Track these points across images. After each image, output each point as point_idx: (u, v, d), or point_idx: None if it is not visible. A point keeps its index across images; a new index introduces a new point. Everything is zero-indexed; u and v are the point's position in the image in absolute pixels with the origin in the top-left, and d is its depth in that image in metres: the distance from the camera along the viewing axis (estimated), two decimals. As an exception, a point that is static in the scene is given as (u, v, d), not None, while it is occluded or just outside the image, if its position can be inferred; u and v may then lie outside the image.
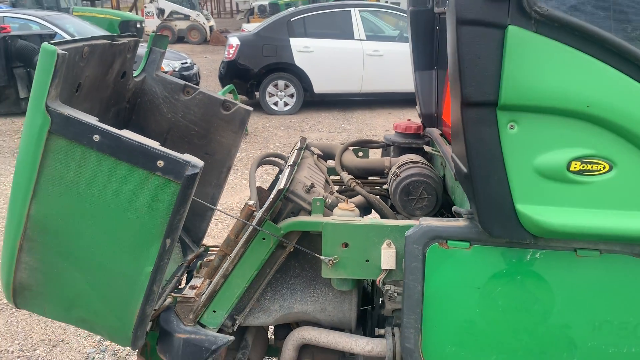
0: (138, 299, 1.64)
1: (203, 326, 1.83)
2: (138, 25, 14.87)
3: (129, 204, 1.53)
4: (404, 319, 1.54)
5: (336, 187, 2.23)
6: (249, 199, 1.93)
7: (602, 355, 1.48)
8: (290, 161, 2.01)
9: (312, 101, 9.37)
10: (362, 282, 1.94)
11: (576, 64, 1.28)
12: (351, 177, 2.10)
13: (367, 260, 1.68)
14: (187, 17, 20.68)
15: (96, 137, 1.48)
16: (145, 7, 21.38)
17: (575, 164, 1.36)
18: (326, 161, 2.37)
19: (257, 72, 8.91)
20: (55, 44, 1.50)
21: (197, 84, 10.16)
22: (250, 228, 1.73)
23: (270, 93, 9.07)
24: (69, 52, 1.53)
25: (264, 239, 1.73)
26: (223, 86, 8.29)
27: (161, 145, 1.55)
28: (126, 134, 1.51)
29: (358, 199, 2.03)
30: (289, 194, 1.77)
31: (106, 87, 2.04)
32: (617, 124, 1.31)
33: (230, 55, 8.96)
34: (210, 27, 20.97)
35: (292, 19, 9.09)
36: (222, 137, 2.44)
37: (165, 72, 7.95)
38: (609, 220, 1.37)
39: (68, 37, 8.63)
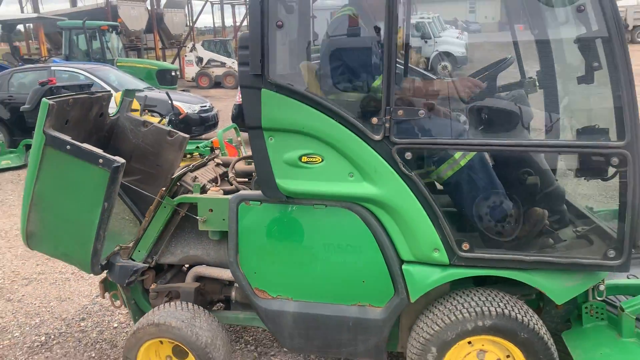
0: (92, 239, 2.92)
1: (133, 260, 3.10)
2: (173, 74, 16.73)
3: (85, 183, 2.84)
4: (227, 246, 2.78)
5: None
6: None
7: (328, 263, 2.66)
8: (192, 165, 3.30)
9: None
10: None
11: (294, 105, 2.52)
12: (233, 176, 3.36)
13: (223, 219, 2.92)
14: (223, 65, 22.64)
15: (68, 147, 2.81)
16: (185, 56, 23.59)
17: (304, 158, 2.58)
18: (232, 168, 3.63)
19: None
20: (50, 98, 2.86)
21: (216, 123, 11.67)
22: (157, 201, 3.02)
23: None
24: (57, 103, 2.89)
25: (165, 207, 3.00)
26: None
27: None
28: (84, 145, 2.83)
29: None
30: (181, 182, 3.05)
31: (88, 122, 3.41)
32: (319, 137, 2.54)
33: (240, 99, 10.47)
34: (244, 73, 22.80)
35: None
36: (167, 155, 3.75)
37: (183, 113, 9.51)
38: (323, 188, 2.59)
39: (106, 86, 10.33)
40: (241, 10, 36.16)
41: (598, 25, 2.31)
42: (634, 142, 2.29)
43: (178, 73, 17.80)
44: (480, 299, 2.52)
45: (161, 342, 2.95)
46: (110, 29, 17.22)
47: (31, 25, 25.08)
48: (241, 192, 2.81)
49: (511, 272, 2.53)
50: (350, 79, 2.69)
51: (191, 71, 22.91)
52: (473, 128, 2.81)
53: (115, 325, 3.85)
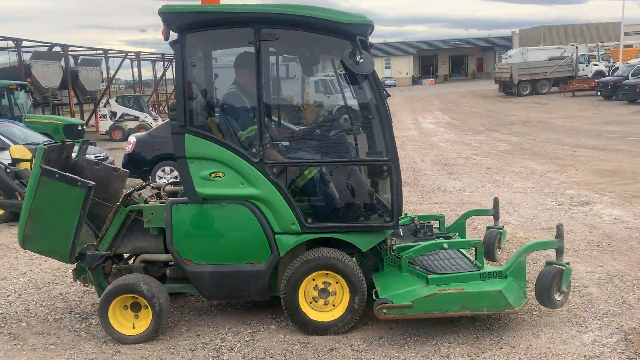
0: (71, 238, 4.41)
1: (98, 251, 4.61)
2: (79, 128, 17.81)
3: (68, 198, 4.36)
4: (166, 233, 4.41)
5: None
6: (119, 203, 4.80)
7: (230, 238, 4.35)
8: (136, 187, 4.90)
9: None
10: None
11: (205, 143, 4.26)
12: (164, 194, 4.97)
13: (160, 219, 4.53)
14: (136, 118, 23.72)
15: (56, 175, 4.34)
16: (99, 110, 24.53)
17: (212, 174, 4.31)
18: (163, 189, 5.23)
19: (149, 160, 11.36)
20: (44, 144, 4.39)
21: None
22: (115, 209, 4.58)
23: (159, 176, 11.38)
24: (48, 147, 4.43)
25: (121, 213, 4.58)
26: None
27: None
28: (67, 174, 4.37)
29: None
30: (130, 196, 4.65)
31: (61, 161, 4.92)
32: (221, 161, 4.29)
33: (129, 149, 11.65)
34: (157, 126, 24.05)
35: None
36: (114, 184, 5.30)
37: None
38: (225, 192, 4.31)
39: (8, 141, 11.34)
40: (158, 66, 38.15)
41: (371, 94, 4.29)
42: (393, 157, 4.26)
43: (84, 127, 18.82)
44: (335, 252, 4.31)
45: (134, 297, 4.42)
46: (19, 88, 18.04)
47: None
48: (172, 198, 4.48)
49: (336, 234, 4.37)
50: (241, 127, 4.49)
51: (105, 125, 23.86)
52: (315, 154, 4.72)
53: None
